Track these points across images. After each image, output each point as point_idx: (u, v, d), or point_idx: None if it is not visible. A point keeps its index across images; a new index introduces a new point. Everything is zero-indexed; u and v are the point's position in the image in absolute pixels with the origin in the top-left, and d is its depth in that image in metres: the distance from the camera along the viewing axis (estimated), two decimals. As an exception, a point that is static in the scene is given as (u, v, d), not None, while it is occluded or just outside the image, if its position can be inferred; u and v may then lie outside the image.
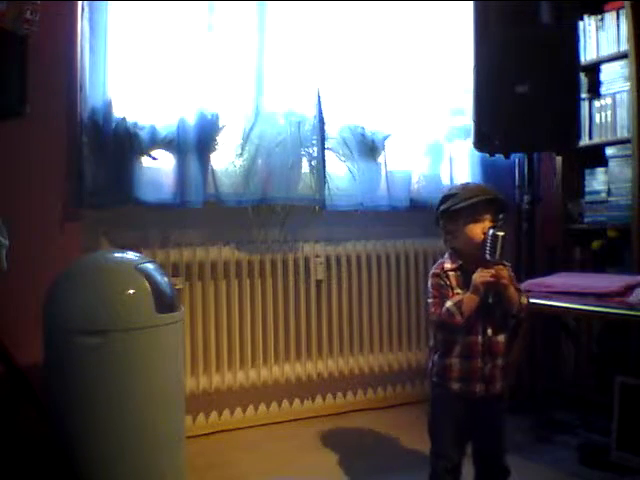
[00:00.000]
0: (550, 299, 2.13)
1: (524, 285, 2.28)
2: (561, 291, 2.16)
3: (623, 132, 2.68)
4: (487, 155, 2.67)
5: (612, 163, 2.72)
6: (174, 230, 2.50)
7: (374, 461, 2.28)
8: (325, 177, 2.63)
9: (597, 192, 2.79)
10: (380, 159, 2.79)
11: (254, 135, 2.51)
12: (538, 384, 2.71)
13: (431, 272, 1.72)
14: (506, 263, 1.68)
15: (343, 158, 2.73)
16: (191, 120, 2.41)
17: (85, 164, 2.26)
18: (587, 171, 2.85)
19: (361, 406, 2.87)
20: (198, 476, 2.11)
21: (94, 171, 2.27)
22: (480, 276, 1.61)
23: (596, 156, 2.78)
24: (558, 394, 2.71)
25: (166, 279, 1.94)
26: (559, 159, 2.94)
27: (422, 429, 1.76)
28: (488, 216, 1.64)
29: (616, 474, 2.08)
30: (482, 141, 2.53)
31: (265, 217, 2.63)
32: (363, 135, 2.74)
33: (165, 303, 1.84)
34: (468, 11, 2.58)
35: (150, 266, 1.90)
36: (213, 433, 2.55)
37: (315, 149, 2.61)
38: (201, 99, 2.43)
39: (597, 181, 2.80)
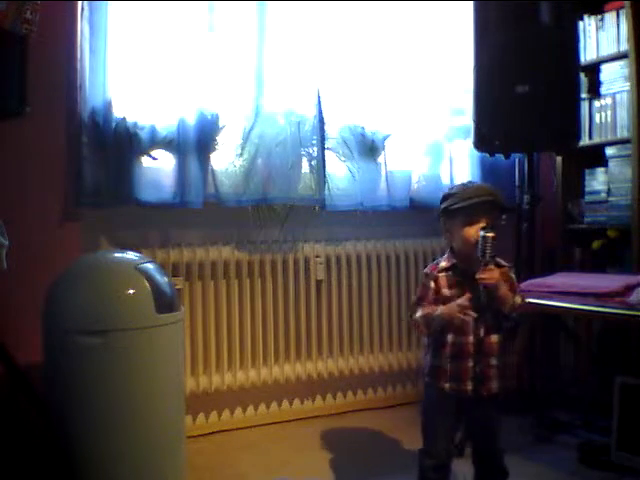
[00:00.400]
0: (550, 299, 2.13)
1: (524, 285, 2.28)
2: (561, 291, 2.16)
3: (623, 132, 2.68)
4: (487, 155, 2.67)
5: (612, 163, 2.72)
6: (174, 230, 2.51)
7: (374, 461, 2.29)
8: (325, 177, 2.63)
9: (597, 192, 2.79)
10: (380, 159, 2.79)
11: (254, 135, 2.51)
12: (538, 384, 2.71)
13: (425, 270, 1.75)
14: (504, 263, 1.68)
15: (343, 158, 2.73)
16: (191, 120, 2.41)
17: (85, 164, 2.26)
18: (587, 171, 2.85)
19: (361, 406, 2.87)
20: (198, 476, 2.11)
21: (94, 171, 2.27)
22: (450, 310, 1.61)
23: (596, 156, 2.78)
24: (558, 394, 2.71)
25: (166, 279, 1.94)
26: (559, 159, 2.94)
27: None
28: (485, 218, 1.63)
29: (616, 474, 2.08)
30: (482, 141, 2.53)
31: (265, 217, 2.63)
32: (363, 135, 2.74)
33: (165, 303, 1.84)
34: (468, 11, 2.58)
35: (150, 266, 1.90)
36: (213, 433, 2.55)
37: (315, 149, 2.61)
38: (201, 99, 2.43)
39: (597, 181, 2.80)
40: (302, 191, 2.60)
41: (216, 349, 2.53)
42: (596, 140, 2.80)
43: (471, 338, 1.64)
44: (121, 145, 2.30)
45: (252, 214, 2.59)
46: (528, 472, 2.08)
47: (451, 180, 2.93)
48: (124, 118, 2.31)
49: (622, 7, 2.65)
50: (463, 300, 1.61)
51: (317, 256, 2.74)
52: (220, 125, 2.47)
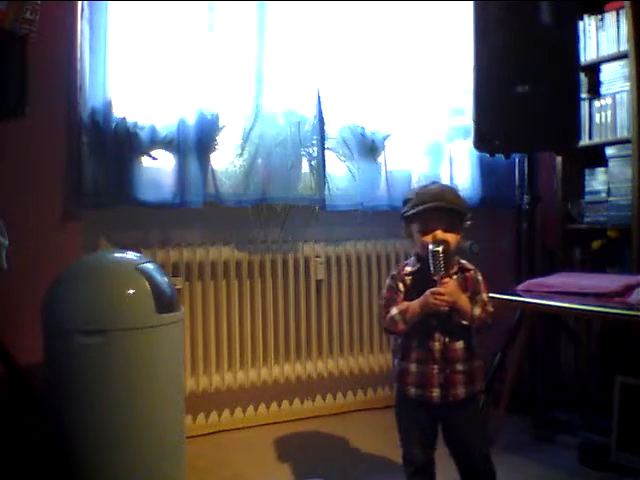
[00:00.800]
0: (550, 299, 2.12)
1: (524, 285, 2.28)
2: (561, 291, 2.16)
3: (623, 132, 2.67)
4: (487, 155, 2.67)
5: (612, 163, 2.71)
6: (174, 230, 2.51)
7: (374, 461, 2.28)
8: (325, 177, 2.63)
9: (597, 192, 2.79)
10: (380, 159, 2.79)
11: (254, 135, 2.51)
12: (538, 384, 2.71)
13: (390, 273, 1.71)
14: (469, 266, 1.65)
15: (343, 158, 2.73)
16: (191, 120, 2.41)
17: (85, 164, 2.26)
18: (587, 171, 2.85)
19: (361, 406, 2.87)
20: (198, 476, 2.11)
21: (94, 171, 2.27)
22: (425, 298, 1.57)
23: (596, 156, 2.78)
24: (558, 394, 2.71)
25: (166, 279, 1.94)
26: (559, 159, 2.94)
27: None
28: (440, 225, 1.58)
29: (616, 474, 2.07)
30: (482, 141, 2.53)
31: (265, 217, 2.62)
32: (363, 135, 2.74)
33: (165, 303, 1.84)
34: (468, 11, 2.58)
35: (150, 266, 1.90)
36: (213, 433, 2.55)
37: (315, 149, 2.61)
38: (201, 99, 2.43)
39: (597, 181, 2.80)
40: (302, 191, 2.60)
41: (216, 349, 2.53)
42: (596, 140, 2.80)
43: (437, 344, 1.61)
44: (121, 145, 2.30)
45: (252, 214, 2.58)
46: (528, 472, 2.07)
47: (451, 180, 2.93)
48: (124, 118, 2.31)
49: (622, 7, 2.65)
50: (436, 288, 1.56)
51: (317, 256, 2.74)
52: (220, 125, 2.47)
